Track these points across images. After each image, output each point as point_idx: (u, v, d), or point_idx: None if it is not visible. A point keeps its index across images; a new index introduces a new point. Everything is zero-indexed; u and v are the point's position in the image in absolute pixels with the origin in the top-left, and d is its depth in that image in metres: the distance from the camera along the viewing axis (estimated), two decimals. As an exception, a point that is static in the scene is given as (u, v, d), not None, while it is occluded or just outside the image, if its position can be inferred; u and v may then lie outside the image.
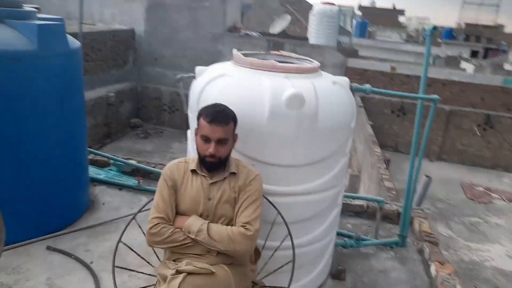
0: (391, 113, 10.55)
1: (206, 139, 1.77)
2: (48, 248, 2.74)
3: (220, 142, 1.77)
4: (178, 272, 1.52)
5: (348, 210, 3.46)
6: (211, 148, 1.76)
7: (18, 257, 2.63)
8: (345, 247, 2.93)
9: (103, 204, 3.34)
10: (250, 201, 1.82)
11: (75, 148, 3.00)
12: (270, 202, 2.06)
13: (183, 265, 1.61)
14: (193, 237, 1.71)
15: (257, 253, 1.99)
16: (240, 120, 1.96)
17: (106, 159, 3.91)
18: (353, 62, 11.28)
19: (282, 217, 2.05)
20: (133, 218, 2.06)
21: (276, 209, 2.06)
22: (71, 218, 3.05)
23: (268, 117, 1.99)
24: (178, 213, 1.84)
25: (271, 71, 2.14)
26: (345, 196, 3.21)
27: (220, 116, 1.78)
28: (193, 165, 1.88)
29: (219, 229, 1.74)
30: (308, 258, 2.37)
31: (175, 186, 1.86)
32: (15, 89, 2.45)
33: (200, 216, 1.80)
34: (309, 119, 2.03)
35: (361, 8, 29.02)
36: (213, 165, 1.81)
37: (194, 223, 1.75)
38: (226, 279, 1.63)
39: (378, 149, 6.61)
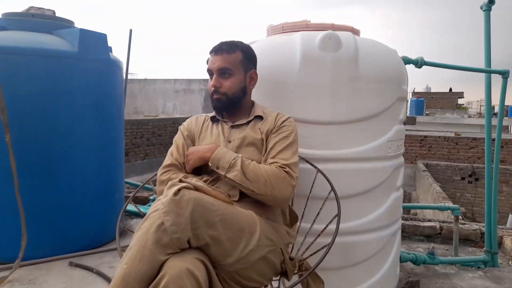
0: (461, 179, 9.61)
1: (210, 74, 1.54)
2: (71, 264, 2.48)
3: (223, 73, 1.51)
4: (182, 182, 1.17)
5: (416, 234, 2.88)
6: (212, 80, 1.51)
7: (37, 271, 2.40)
8: (416, 263, 2.33)
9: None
10: (286, 143, 1.48)
11: (109, 164, 2.87)
12: (308, 162, 1.71)
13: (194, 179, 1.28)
14: (222, 173, 1.35)
15: (293, 216, 1.58)
16: (269, 74, 1.76)
17: (145, 196, 3.75)
18: (411, 131, 10.82)
19: (326, 177, 1.66)
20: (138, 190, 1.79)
21: (317, 168, 1.69)
22: (99, 241, 2.81)
23: (300, 63, 1.75)
24: None
25: (304, 30, 1.96)
26: (407, 207, 2.69)
27: (221, 45, 1.55)
28: (213, 114, 1.65)
29: (255, 167, 1.37)
30: (365, 251, 1.87)
31: (192, 136, 1.61)
32: (55, 86, 2.47)
33: None
34: (347, 64, 1.75)
35: (415, 94, 28.99)
36: (220, 103, 1.52)
37: (224, 155, 1.38)
38: (250, 217, 1.26)
39: (450, 203, 5.82)
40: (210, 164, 1.39)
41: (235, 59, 1.53)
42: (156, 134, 12.03)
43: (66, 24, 2.76)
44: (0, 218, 2.45)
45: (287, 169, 1.40)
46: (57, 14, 2.82)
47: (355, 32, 2.03)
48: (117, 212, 2.97)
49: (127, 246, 1.12)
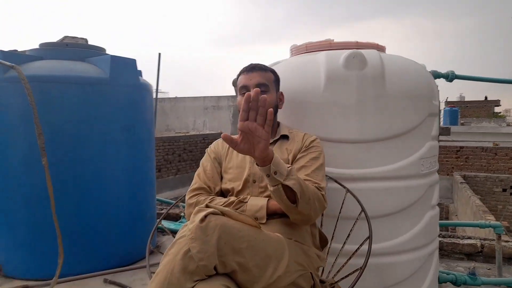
0: (503, 191, 9.15)
1: (246, 90, 1.55)
2: (105, 281, 2.53)
3: (260, 88, 1.53)
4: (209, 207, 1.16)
5: (456, 252, 2.75)
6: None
7: (74, 287, 2.46)
8: (456, 284, 2.22)
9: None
10: (317, 164, 1.48)
11: (140, 184, 2.93)
12: (336, 181, 1.68)
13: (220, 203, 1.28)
14: (280, 180, 1.21)
15: (323, 239, 1.55)
16: (294, 94, 1.77)
17: (176, 212, 3.80)
18: (446, 141, 10.44)
19: (355, 197, 1.63)
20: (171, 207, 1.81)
21: (345, 188, 1.66)
22: (132, 258, 2.86)
23: (325, 83, 1.74)
24: (223, 187, 1.56)
25: (328, 49, 1.95)
26: (444, 225, 2.58)
27: (254, 64, 1.60)
28: None
29: (303, 181, 1.30)
30: (400, 273, 1.80)
31: (219, 159, 1.63)
32: (88, 111, 2.57)
33: (246, 181, 1.49)
34: (373, 82, 1.72)
35: (448, 103, 28.12)
36: None
37: (279, 160, 1.25)
38: (279, 242, 1.24)
39: (492, 217, 5.55)
40: (271, 167, 1.21)
41: (270, 78, 1.59)
42: (187, 150, 12.23)
43: (98, 51, 2.87)
44: (40, 238, 2.54)
45: (322, 191, 1.40)
46: (89, 42, 2.94)
47: (380, 49, 2.00)
48: (149, 230, 3.04)
49: (158, 263, 1.12)
